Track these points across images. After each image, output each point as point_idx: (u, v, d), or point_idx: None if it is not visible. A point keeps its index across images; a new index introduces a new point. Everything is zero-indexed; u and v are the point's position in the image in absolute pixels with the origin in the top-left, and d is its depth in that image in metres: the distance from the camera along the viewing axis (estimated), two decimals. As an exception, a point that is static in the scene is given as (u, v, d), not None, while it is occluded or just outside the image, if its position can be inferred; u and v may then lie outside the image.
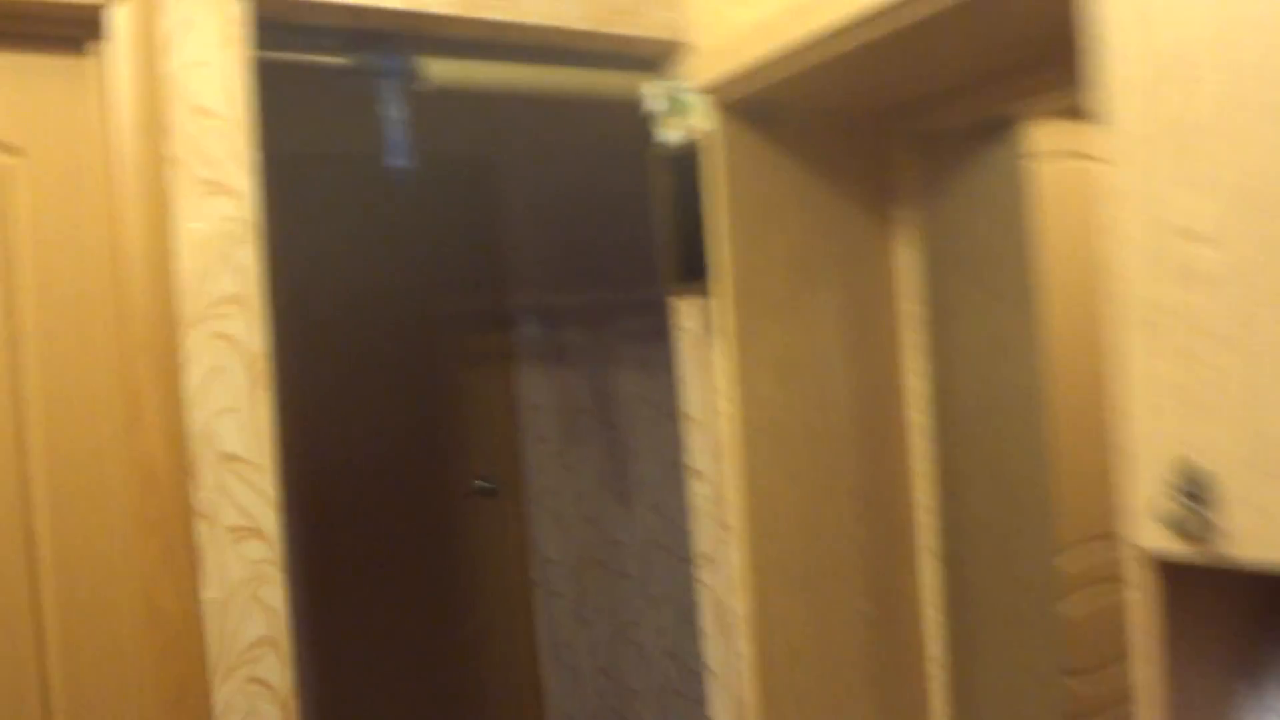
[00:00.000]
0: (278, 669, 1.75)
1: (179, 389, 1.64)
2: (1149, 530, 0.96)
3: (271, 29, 1.68)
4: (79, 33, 1.54)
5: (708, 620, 2.31)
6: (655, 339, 3.89)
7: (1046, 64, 1.43)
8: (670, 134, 2.23)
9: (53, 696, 1.64)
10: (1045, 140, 2.10)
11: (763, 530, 1.60)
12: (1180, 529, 0.93)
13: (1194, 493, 0.91)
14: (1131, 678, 1.03)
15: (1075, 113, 1.51)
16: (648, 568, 4.10)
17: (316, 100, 2.49)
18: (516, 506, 3.77)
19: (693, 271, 2.11)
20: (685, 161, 2.10)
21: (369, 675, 3.41)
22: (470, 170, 3.72)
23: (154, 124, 1.58)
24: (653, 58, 2.06)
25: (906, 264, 1.69)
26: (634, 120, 2.33)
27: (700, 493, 2.29)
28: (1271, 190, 0.87)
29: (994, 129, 1.74)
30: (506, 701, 3.73)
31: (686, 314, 2.29)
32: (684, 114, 2.17)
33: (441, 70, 1.93)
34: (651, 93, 2.26)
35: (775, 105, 1.57)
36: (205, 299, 1.69)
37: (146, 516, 1.61)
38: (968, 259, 1.70)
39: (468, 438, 3.69)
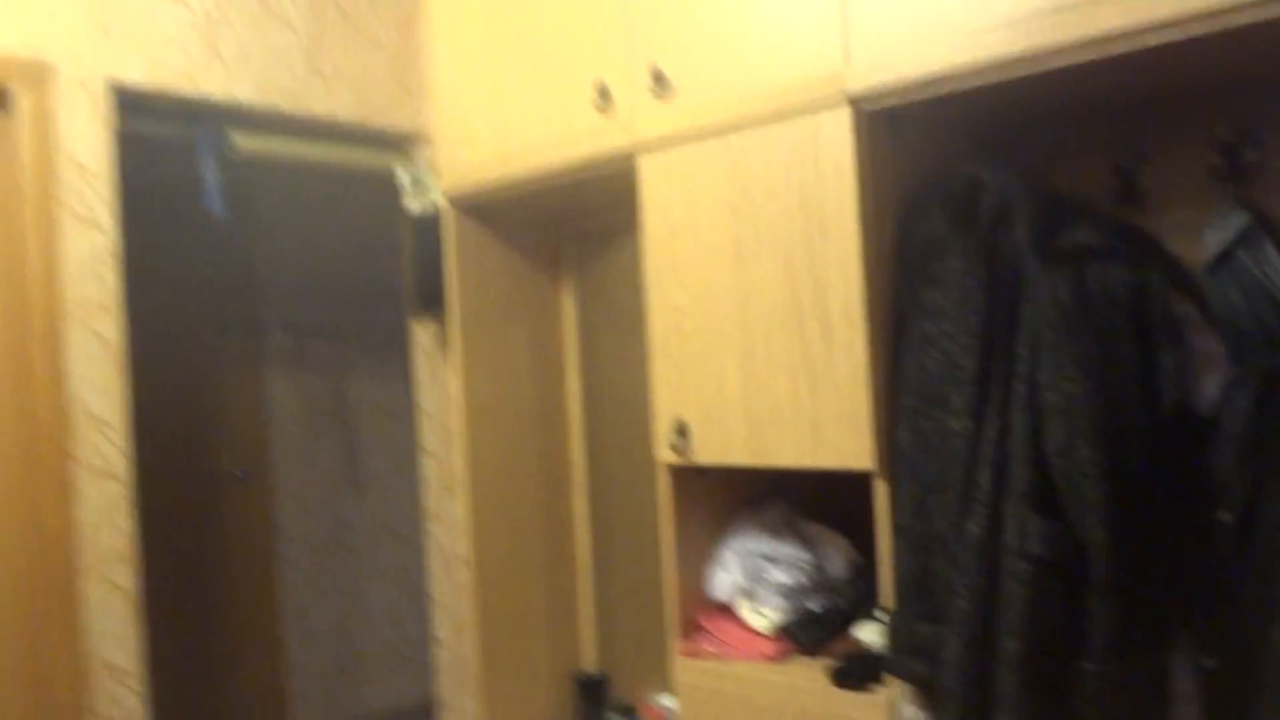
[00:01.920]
0: (128, 575, 2.37)
1: (61, 365, 2.28)
2: (664, 452, 1.91)
3: (128, 109, 2.35)
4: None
5: (433, 560, 3.11)
6: (386, 355, 4.57)
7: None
8: (413, 203, 3.05)
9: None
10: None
11: (480, 481, 2.43)
12: (676, 450, 1.88)
13: (682, 431, 1.87)
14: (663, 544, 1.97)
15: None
16: (376, 547, 4.76)
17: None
18: (264, 491, 4.33)
19: (430, 304, 2.92)
20: (424, 224, 2.91)
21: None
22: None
23: (45, 173, 2.21)
24: (400, 143, 2.85)
25: (569, 311, 2.62)
26: (365, 185, 3.06)
27: (429, 466, 3.09)
28: (708, 288, 1.84)
29: (624, 230, 2.68)
30: (252, 657, 4.27)
31: (422, 333, 3.10)
32: (424, 191, 3.00)
33: (247, 143, 2.61)
34: (401, 172, 3.07)
35: (489, 205, 2.44)
36: (80, 303, 2.32)
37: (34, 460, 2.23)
38: (608, 310, 2.65)
39: (225, 431, 4.23)
